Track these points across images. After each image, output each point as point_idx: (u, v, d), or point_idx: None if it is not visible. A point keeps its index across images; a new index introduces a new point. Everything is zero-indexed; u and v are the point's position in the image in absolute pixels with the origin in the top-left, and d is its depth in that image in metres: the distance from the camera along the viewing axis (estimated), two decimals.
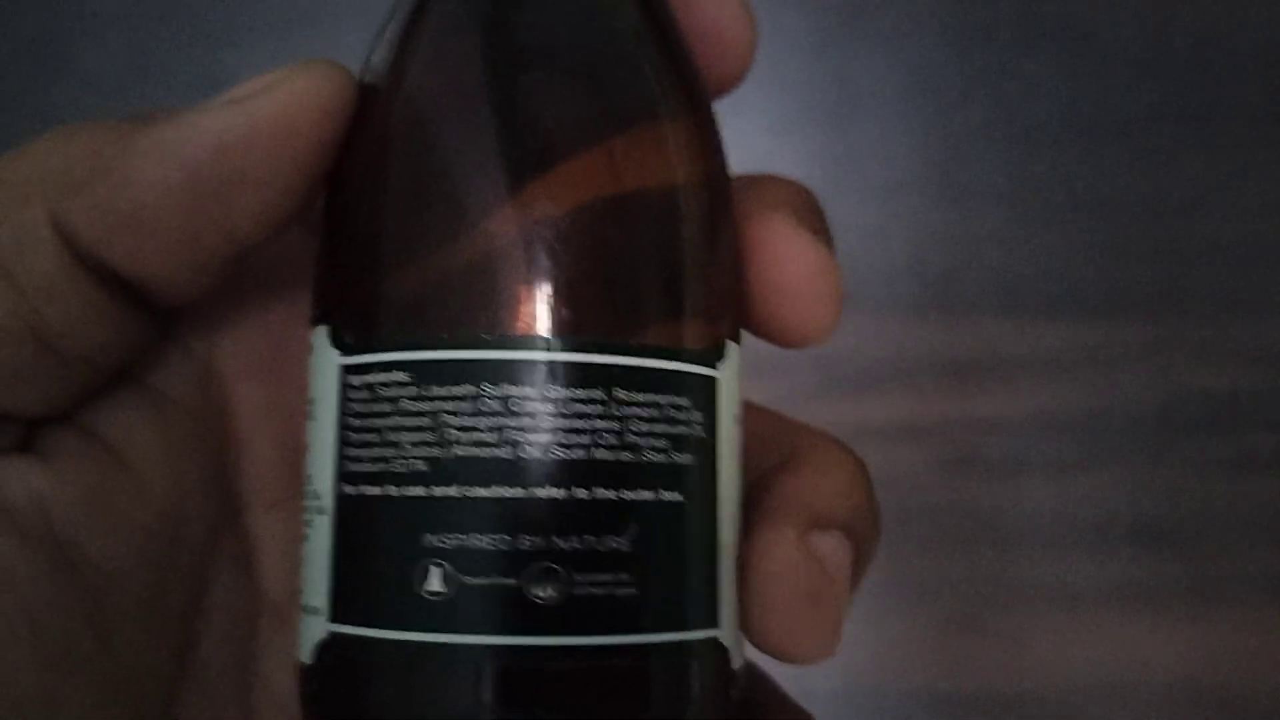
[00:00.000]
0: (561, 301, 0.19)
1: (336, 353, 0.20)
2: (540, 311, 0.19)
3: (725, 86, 0.24)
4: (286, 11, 0.53)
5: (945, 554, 0.49)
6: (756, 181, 0.24)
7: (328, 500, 0.20)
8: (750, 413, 0.24)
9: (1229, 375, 0.51)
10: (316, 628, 0.20)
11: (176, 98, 0.51)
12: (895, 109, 0.53)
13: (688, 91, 0.22)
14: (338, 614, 0.19)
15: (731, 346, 0.21)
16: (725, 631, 0.20)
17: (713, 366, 0.21)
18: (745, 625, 0.21)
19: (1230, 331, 0.51)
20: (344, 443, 0.20)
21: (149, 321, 0.21)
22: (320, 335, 0.21)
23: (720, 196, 0.22)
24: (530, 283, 0.19)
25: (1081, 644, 0.49)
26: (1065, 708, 0.48)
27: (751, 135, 0.52)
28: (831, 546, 0.21)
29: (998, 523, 0.50)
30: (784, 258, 0.22)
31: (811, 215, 0.23)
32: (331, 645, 0.19)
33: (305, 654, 0.20)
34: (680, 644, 0.19)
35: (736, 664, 0.21)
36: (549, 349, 0.19)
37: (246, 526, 0.23)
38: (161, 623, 0.21)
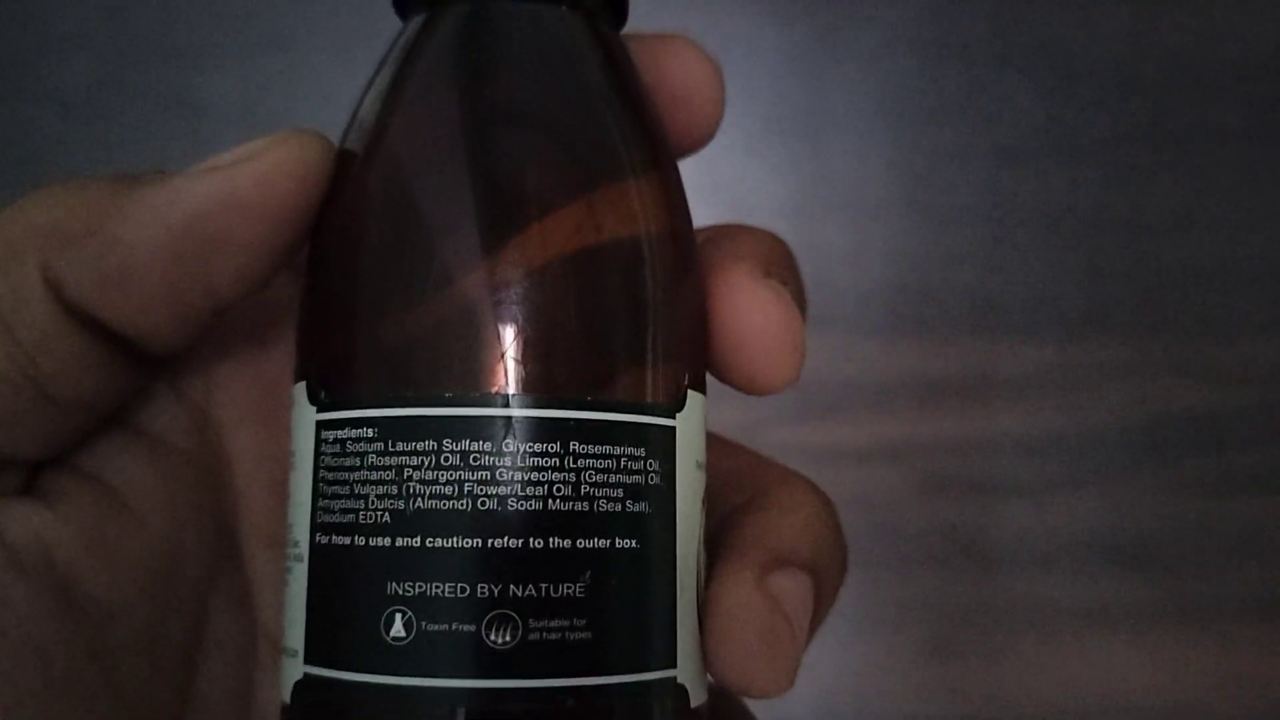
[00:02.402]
0: (518, 361, 0.21)
1: (313, 409, 0.22)
2: (498, 371, 0.21)
3: (693, 146, 0.26)
4: (254, 34, 0.55)
5: (922, 577, 0.51)
6: (725, 232, 0.25)
7: (304, 549, 0.22)
8: (722, 449, 0.26)
9: (1208, 395, 0.53)
10: (294, 669, 0.22)
11: (145, 119, 0.54)
12: (869, 127, 0.54)
13: (651, 155, 0.24)
14: (311, 657, 0.22)
15: (693, 395, 0.23)
16: (684, 671, 0.22)
17: (671, 417, 0.22)
18: (706, 660, 0.23)
19: (1209, 351, 0.53)
20: (319, 495, 0.22)
21: (139, 369, 0.23)
22: (300, 390, 0.23)
23: (683, 255, 0.24)
24: (488, 343, 0.21)
25: (1060, 667, 0.51)
26: None
27: (724, 153, 0.53)
28: (790, 587, 0.23)
29: (975, 545, 0.51)
30: (746, 310, 0.24)
31: (780, 266, 0.25)
32: (306, 686, 0.22)
33: (285, 693, 0.22)
34: (636, 685, 0.21)
35: (697, 702, 0.22)
36: (507, 405, 0.21)
37: (244, 564, 0.26)
38: (162, 656, 0.23)
